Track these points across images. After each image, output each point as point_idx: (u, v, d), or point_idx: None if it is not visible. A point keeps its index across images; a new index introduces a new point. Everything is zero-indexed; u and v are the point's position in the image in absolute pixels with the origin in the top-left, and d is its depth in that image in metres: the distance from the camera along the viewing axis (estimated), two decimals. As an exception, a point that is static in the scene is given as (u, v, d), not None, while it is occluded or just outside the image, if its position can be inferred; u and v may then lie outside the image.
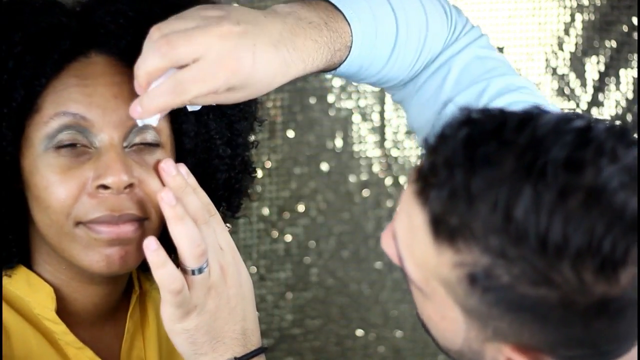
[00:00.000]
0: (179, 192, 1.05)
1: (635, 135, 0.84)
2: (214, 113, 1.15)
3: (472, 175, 0.82)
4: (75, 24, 1.10)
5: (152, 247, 1.01)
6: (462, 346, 0.90)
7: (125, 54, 1.09)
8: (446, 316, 0.88)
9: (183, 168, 1.07)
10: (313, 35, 1.02)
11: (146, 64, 0.97)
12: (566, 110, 1.10)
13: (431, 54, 1.14)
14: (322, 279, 2.18)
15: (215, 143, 1.16)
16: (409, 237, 0.88)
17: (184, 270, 1.04)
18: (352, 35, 1.05)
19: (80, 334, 1.15)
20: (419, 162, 0.88)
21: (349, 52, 1.05)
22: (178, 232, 1.02)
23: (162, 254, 1.01)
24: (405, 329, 2.17)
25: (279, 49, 0.98)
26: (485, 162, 0.82)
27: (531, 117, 0.84)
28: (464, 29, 1.16)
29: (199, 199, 1.06)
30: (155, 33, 0.97)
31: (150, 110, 0.99)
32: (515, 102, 1.11)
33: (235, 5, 1.02)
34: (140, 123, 1.05)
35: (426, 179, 0.85)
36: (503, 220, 0.80)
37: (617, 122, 0.86)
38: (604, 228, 0.79)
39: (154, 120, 1.02)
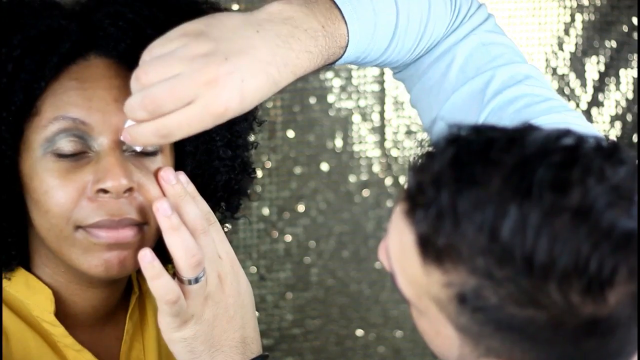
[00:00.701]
0: (178, 201, 1.05)
1: (625, 154, 0.82)
2: None
3: (458, 195, 0.81)
4: (75, 27, 1.10)
5: (146, 259, 1.01)
6: None
7: (125, 56, 1.09)
8: (440, 332, 0.88)
9: (182, 176, 1.07)
10: (309, 47, 1.01)
11: (133, 116, 0.96)
12: (565, 121, 1.09)
13: (432, 39, 1.12)
14: (322, 279, 2.18)
15: (215, 145, 1.16)
16: (400, 254, 0.87)
17: (180, 280, 1.04)
18: (348, 36, 1.04)
19: (79, 336, 1.15)
20: (406, 181, 0.87)
21: (344, 52, 1.05)
22: (173, 242, 1.02)
23: (157, 265, 1.01)
24: (405, 329, 2.17)
25: (269, 73, 0.98)
26: (472, 182, 0.81)
27: (519, 136, 0.82)
28: (468, 12, 1.14)
29: (198, 208, 1.06)
30: (142, 78, 0.96)
31: (137, 143, 1.00)
32: (521, 95, 1.10)
33: (228, 18, 0.99)
34: (132, 147, 1.06)
35: (414, 199, 0.84)
36: (489, 241, 0.80)
37: (609, 138, 0.85)
38: (590, 248, 0.78)
39: (138, 147, 1.05)
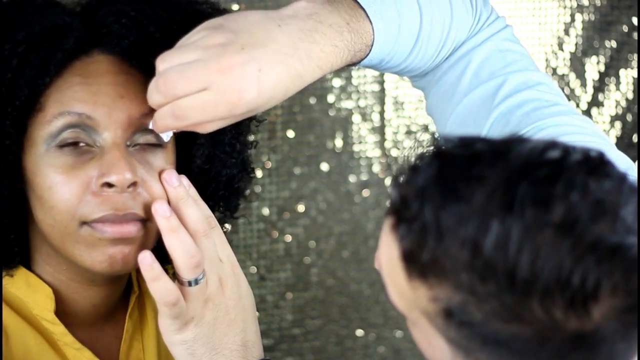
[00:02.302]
0: (179, 203, 1.05)
1: (610, 167, 0.82)
2: None
3: (442, 210, 0.80)
4: (79, 24, 1.10)
5: (146, 261, 1.01)
6: None
7: (128, 54, 1.09)
8: (432, 343, 0.87)
9: (185, 179, 1.08)
10: (334, 40, 1.00)
11: (151, 100, 0.98)
12: (571, 123, 1.08)
13: (454, 45, 1.12)
14: (322, 279, 2.18)
15: (224, 138, 1.16)
16: (389, 267, 0.87)
17: (180, 282, 1.04)
18: (373, 34, 1.03)
19: (79, 334, 1.15)
20: (391, 194, 0.87)
21: (370, 50, 1.04)
22: (172, 243, 1.03)
23: (156, 267, 1.01)
24: (405, 329, 2.16)
25: (290, 64, 0.97)
26: (455, 197, 0.80)
27: (505, 149, 0.82)
28: (488, 19, 1.14)
29: (199, 210, 1.06)
30: (160, 65, 0.97)
31: (159, 129, 1.01)
32: (530, 99, 1.10)
33: (250, 14, 0.99)
34: (165, 137, 1.07)
35: (399, 213, 0.84)
36: (472, 256, 0.79)
37: (595, 150, 0.84)
38: (572, 262, 0.77)
39: (165, 136, 1.06)
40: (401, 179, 0.85)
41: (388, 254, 0.86)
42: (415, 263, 0.82)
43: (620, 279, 0.78)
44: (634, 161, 0.82)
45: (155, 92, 0.97)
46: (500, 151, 0.82)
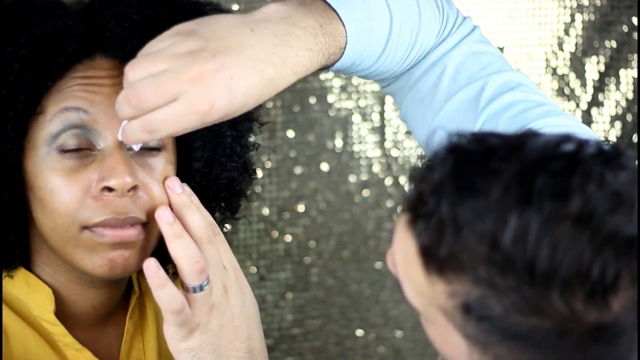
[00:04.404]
0: (182, 210, 1.05)
1: (625, 159, 0.82)
2: None
3: (459, 205, 0.81)
4: (81, 27, 1.10)
5: (152, 269, 1.01)
6: None
7: (131, 57, 1.09)
8: (448, 340, 0.87)
9: (187, 188, 1.07)
10: (308, 44, 0.99)
11: (121, 113, 0.96)
12: (563, 123, 1.09)
13: (423, 49, 1.12)
14: (322, 279, 2.18)
15: (224, 141, 1.16)
16: (405, 264, 0.87)
17: (185, 289, 1.03)
18: (346, 36, 1.03)
19: (79, 335, 1.15)
20: (407, 191, 0.87)
21: (343, 52, 1.04)
22: (176, 250, 1.02)
23: (162, 274, 1.01)
24: (405, 329, 2.17)
25: (264, 71, 0.96)
26: (472, 191, 0.81)
27: (519, 143, 0.83)
28: (455, 22, 1.15)
29: (203, 217, 1.06)
30: (129, 74, 0.95)
31: (129, 141, 0.99)
32: (516, 101, 1.10)
33: (223, 18, 0.98)
34: (135, 147, 1.06)
35: (415, 209, 0.84)
36: (490, 250, 0.79)
37: (610, 142, 0.85)
38: (592, 254, 0.78)
39: (135, 146, 1.04)
40: (416, 175, 0.85)
41: (404, 251, 0.86)
42: (433, 258, 0.82)
43: (638, 270, 0.79)
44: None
45: (125, 105, 0.95)
46: (515, 145, 0.82)
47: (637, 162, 0.84)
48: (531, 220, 0.78)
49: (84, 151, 1.08)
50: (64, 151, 1.07)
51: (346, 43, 1.03)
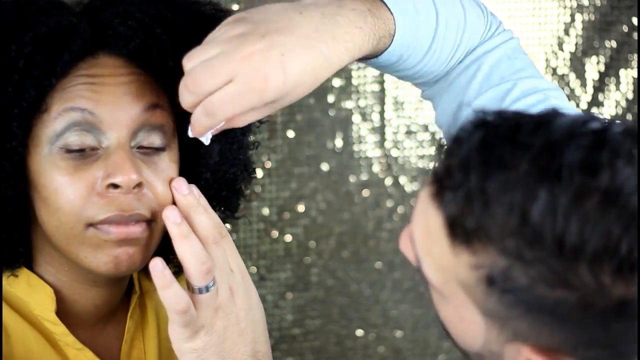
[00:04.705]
0: (189, 211, 1.05)
1: None
2: None
3: (487, 178, 0.82)
4: (85, 25, 1.10)
5: (157, 268, 1.00)
6: (481, 348, 0.90)
7: (134, 55, 1.10)
8: (465, 318, 0.88)
9: (195, 189, 1.07)
10: (358, 23, 1.00)
11: (183, 101, 0.98)
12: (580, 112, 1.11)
13: (467, 49, 1.13)
14: (322, 279, 2.18)
15: (236, 134, 1.16)
16: (426, 239, 0.87)
17: (190, 289, 1.03)
18: (395, 23, 1.03)
19: (80, 334, 1.15)
20: (434, 165, 0.88)
21: (392, 40, 1.04)
22: (183, 250, 1.02)
23: (167, 274, 1.01)
24: (405, 329, 2.17)
25: (314, 47, 0.97)
26: (500, 165, 0.82)
27: (546, 120, 0.83)
28: (497, 28, 1.15)
29: (210, 219, 1.06)
30: (186, 64, 0.98)
31: (197, 132, 1.00)
32: (539, 101, 1.11)
33: (271, 5, 1.00)
34: (205, 140, 1.06)
35: (442, 182, 0.85)
36: (519, 223, 0.80)
37: (632, 124, 0.86)
38: (620, 230, 0.79)
39: (205, 139, 1.04)
40: (444, 149, 0.86)
41: (426, 225, 0.87)
42: (460, 229, 0.83)
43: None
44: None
45: (185, 93, 0.97)
46: (542, 121, 0.84)
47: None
48: (561, 194, 0.79)
49: (87, 151, 1.08)
50: (68, 151, 1.07)
51: (395, 30, 1.03)
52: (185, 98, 0.98)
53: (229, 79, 0.95)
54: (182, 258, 1.03)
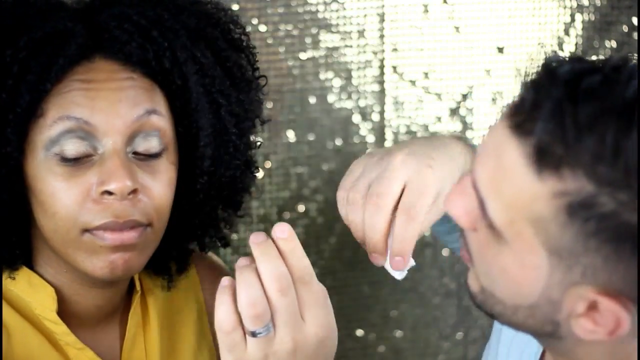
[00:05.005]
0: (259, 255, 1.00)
1: None
2: (225, 110, 1.15)
3: (578, 107, 0.84)
4: (81, 29, 1.10)
5: (222, 283, 0.98)
6: (539, 298, 0.90)
7: (131, 58, 1.09)
8: (527, 263, 0.89)
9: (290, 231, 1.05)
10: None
11: (376, 228, 1.04)
12: None
13: None
14: (322, 279, 2.16)
15: (229, 139, 1.16)
16: (496, 176, 0.89)
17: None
18: None
19: (81, 334, 1.15)
20: (512, 100, 0.90)
21: None
22: (239, 288, 0.97)
23: (227, 292, 0.97)
24: (405, 329, 2.16)
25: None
26: (591, 94, 0.84)
27: (625, 60, 0.87)
28: None
29: (276, 267, 1.00)
30: (347, 194, 1.09)
31: (405, 252, 1.04)
32: None
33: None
34: (398, 276, 1.08)
35: (528, 113, 0.87)
36: (612, 152, 0.82)
37: None
38: None
39: (402, 274, 1.08)
40: (527, 82, 0.89)
41: (499, 162, 0.88)
42: (550, 156, 0.85)
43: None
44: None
45: (374, 216, 1.04)
46: (623, 60, 0.87)
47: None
48: None
49: (83, 158, 1.08)
50: (64, 159, 1.07)
51: None
52: (377, 219, 1.05)
53: (403, 183, 1.04)
54: (237, 290, 0.98)
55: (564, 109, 0.84)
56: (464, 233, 0.96)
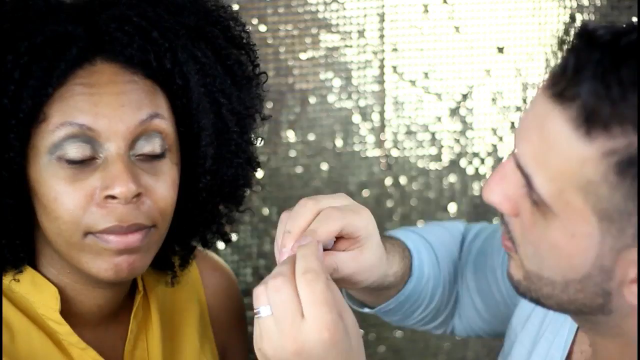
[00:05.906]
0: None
1: None
2: (226, 108, 1.16)
3: (621, 65, 0.86)
4: (81, 32, 1.09)
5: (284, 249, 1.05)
6: (591, 267, 0.90)
7: (132, 60, 1.09)
8: (578, 233, 0.89)
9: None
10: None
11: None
12: None
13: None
14: (322, 279, 2.17)
15: (231, 137, 1.16)
16: (543, 149, 0.89)
17: None
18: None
19: (84, 334, 1.15)
20: (552, 68, 0.93)
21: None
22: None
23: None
24: (405, 329, 2.16)
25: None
26: (632, 52, 0.86)
27: None
28: (465, 233, 1.31)
29: (284, 267, 1.01)
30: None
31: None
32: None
33: None
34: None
35: (571, 79, 0.88)
36: None
37: None
38: None
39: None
40: (573, 46, 0.91)
41: (542, 132, 0.89)
42: (598, 117, 0.86)
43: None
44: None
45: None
46: None
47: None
48: None
49: (86, 160, 1.08)
50: (67, 161, 1.07)
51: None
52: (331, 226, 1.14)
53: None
54: None
55: (607, 69, 0.86)
56: (506, 221, 0.96)
